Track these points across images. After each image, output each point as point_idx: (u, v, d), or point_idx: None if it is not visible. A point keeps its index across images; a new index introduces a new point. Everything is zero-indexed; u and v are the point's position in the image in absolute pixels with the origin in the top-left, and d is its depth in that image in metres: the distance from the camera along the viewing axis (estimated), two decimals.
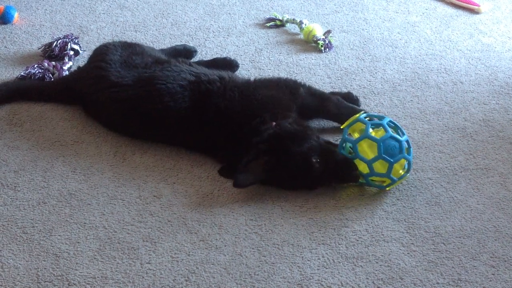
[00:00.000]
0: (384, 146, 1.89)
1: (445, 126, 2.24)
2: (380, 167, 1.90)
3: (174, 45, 2.63)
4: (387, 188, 1.95)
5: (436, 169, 2.05)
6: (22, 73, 2.40)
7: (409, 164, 1.95)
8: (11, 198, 1.90)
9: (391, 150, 1.90)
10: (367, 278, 1.69)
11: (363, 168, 1.92)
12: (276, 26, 2.84)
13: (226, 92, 2.06)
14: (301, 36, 2.76)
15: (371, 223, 1.85)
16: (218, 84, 2.09)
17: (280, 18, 2.86)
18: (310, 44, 2.70)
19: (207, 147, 2.05)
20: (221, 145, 1.97)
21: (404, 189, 1.97)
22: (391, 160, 1.89)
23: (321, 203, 1.91)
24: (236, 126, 1.99)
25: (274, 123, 1.98)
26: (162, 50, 2.49)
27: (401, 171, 1.94)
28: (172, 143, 2.10)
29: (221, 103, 2.04)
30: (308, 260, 1.73)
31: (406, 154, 1.92)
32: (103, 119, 2.17)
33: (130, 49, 2.26)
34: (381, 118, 1.98)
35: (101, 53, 2.24)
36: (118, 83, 2.11)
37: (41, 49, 2.57)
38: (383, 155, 1.88)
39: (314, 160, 1.91)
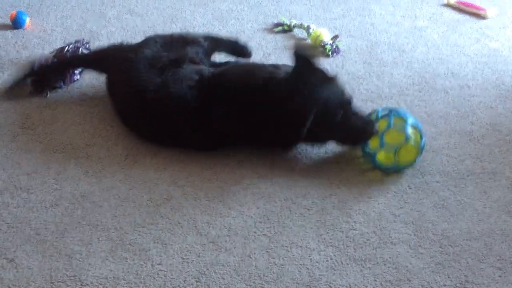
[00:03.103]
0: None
1: (452, 130, 2.26)
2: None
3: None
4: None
5: (444, 172, 2.07)
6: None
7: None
8: (24, 200, 1.93)
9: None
10: (375, 280, 1.71)
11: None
12: (284, 31, 2.87)
13: (229, 77, 2.12)
14: (309, 41, 2.79)
15: (379, 225, 1.87)
16: (221, 73, 2.15)
17: (288, 23, 2.89)
18: (318, 49, 2.73)
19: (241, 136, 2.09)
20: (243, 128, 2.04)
21: (412, 192, 1.99)
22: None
23: (329, 206, 1.94)
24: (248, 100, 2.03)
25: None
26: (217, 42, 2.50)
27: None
28: (188, 145, 2.13)
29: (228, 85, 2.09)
30: (317, 262, 1.76)
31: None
32: (117, 107, 2.25)
33: (169, 47, 2.29)
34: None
35: (142, 45, 2.32)
36: (140, 81, 2.15)
37: (52, 54, 2.61)
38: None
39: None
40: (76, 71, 2.49)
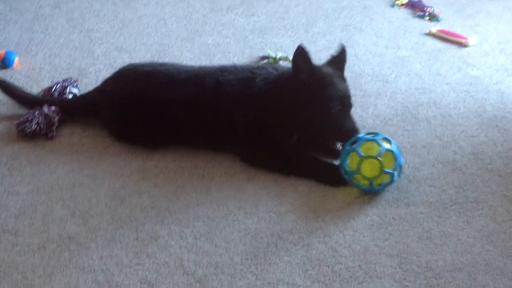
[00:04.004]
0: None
1: (435, 160, 2.29)
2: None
3: None
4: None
5: (427, 203, 2.09)
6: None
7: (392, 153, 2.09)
8: (11, 244, 1.94)
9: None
10: None
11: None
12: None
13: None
14: None
15: (364, 259, 1.89)
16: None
17: (274, 55, 2.93)
18: None
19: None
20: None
21: (396, 224, 2.01)
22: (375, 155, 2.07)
23: (315, 240, 1.96)
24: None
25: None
26: None
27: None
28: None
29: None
30: None
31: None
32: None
33: None
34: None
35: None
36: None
37: (41, 93, 2.63)
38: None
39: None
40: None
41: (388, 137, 2.13)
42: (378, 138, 2.10)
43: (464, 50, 3.02)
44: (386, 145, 2.08)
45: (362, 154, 2.06)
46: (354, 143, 2.11)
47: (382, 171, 2.05)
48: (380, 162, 2.05)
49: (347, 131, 2.18)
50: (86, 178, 2.21)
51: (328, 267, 1.87)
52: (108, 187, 2.17)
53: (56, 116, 2.45)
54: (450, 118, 2.53)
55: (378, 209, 2.07)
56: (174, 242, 1.95)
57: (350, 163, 2.09)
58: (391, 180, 2.09)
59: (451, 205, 2.08)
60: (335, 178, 2.16)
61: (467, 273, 1.83)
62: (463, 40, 3.05)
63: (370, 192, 2.11)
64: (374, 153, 2.05)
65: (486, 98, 2.65)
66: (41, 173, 2.24)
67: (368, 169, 2.05)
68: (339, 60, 2.32)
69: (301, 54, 2.22)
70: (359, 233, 1.98)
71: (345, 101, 2.23)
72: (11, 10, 3.41)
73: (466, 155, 2.31)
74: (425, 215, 2.05)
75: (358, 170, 2.06)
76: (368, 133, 2.16)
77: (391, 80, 2.78)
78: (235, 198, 2.12)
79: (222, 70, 2.35)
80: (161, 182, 2.19)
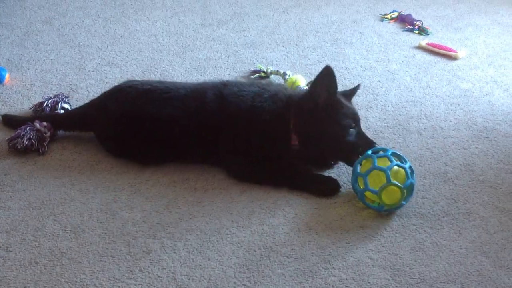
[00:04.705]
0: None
1: (427, 172, 2.30)
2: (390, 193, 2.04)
3: None
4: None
5: (419, 214, 2.10)
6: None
7: (412, 186, 2.07)
8: (3, 259, 1.93)
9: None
10: None
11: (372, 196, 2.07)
12: (261, 78, 2.92)
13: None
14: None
15: (357, 271, 1.89)
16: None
17: (264, 69, 2.94)
18: None
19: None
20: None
21: (389, 236, 2.01)
22: (401, 185, 2.03)
23: (308, 252, 1.95)
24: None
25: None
26: None
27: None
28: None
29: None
30: None
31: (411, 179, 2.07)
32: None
33: None
34: (384, 150, 2.12)
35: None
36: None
37: (32, 109, 2.63)
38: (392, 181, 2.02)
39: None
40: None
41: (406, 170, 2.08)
42: (406, 166, 2.08)
43: (454, 63, 3.05)
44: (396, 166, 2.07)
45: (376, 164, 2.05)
46: (378, 152, 2.11)
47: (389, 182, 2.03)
48: (387, 175, 2.03)
49: (367, 146, 2.19)
50: (77, 192, 2.20)
51: (321, 279, 1.86)
52: (100, 201, 2.16)
53: (47, 131, 2.44)
54: (441, 130, 2.54)
55: (371, 221, 2.07)
56: (166, 256, 1.94)
57: (363, 167, 2.10)
58: (401, 200, 2.06)
59: (443, 217, 2.09)
60: (327, 189, 2.17)
61: (460, 284, 1.84)
62: (453, 53, 3.08)
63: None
64: (384, 166, 2.04)
65: (476, 110, 2.67)
66: (32, 188, 2.23)
67: (375, 181, 2.05)
68: (349, 93, 2.36)
69: (326, 77, 2.17)
70: (352, 245, 1.98)
71: (357, 120, 2.25)
72: (2, 26, 3.42)
73: (457, 167, 2.33)
74: (417, 226, 2.05)
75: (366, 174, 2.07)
76: (393, 153, 2.12)
77: (382, 93, 2.81)
78: (228, 211, 2.12)
79: (225, 84, 2.34)
80: (153, 196, 2.19)
